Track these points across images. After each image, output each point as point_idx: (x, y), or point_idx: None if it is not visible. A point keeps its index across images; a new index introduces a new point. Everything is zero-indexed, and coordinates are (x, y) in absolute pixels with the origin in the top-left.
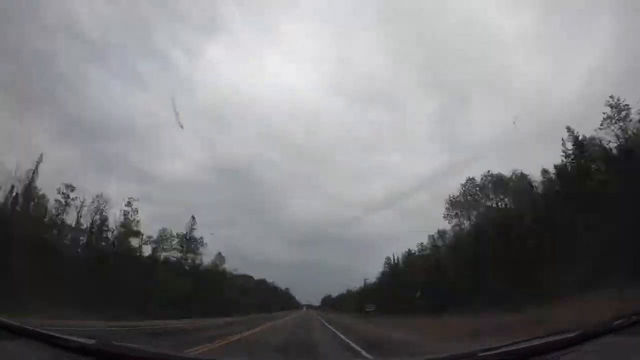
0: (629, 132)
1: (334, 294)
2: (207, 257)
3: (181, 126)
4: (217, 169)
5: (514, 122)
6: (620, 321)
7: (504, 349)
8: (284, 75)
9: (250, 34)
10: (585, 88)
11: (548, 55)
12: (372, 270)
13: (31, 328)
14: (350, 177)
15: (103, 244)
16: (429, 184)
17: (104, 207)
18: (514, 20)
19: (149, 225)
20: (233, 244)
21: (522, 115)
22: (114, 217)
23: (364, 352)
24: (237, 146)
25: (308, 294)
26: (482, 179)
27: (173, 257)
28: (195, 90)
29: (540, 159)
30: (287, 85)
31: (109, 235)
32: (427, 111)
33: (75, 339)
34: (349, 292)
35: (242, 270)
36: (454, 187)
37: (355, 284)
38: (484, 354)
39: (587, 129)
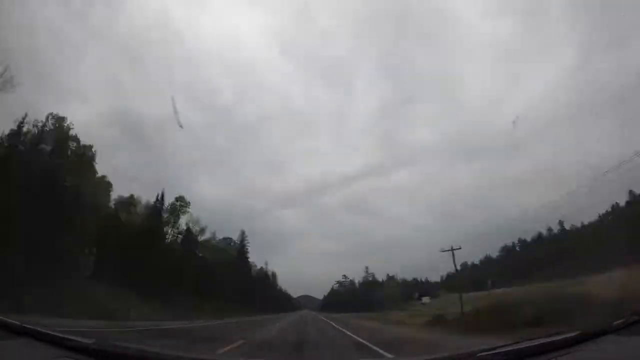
0: None
1: None
2: None
3: (181, 126)
4: (121, 125)
5: (513, 122)
6: (620, 321)
7: (504, 349)
8: (228, 15)
9: None
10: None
11: (501, 70)
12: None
13: (32, 327)
14: (271, 161)
15: None
16: (350, 184)
17: None
18: (479, 28)
19: None
20: None
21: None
22: None
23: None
24: (153, 97)
25: None
26: None
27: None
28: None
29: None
30: (230, 29)
31: None
32: (372, 101)
33: (75, 338)
34: None
35: None
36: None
37: None
38: (484, 353)
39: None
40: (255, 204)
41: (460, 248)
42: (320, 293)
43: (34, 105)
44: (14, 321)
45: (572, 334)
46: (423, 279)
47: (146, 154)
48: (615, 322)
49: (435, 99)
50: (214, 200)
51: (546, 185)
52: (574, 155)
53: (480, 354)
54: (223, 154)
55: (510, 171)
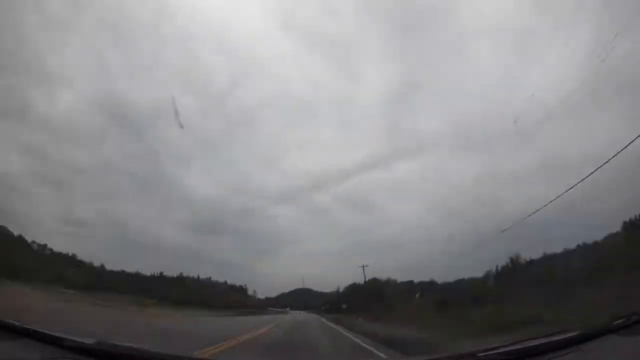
0: None
1: None
2: None
3: (181, 126)
4: (109, 111)
5: (515, 122)
6: (620, 321)
7: (504, 349)
8: None
9: None
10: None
11: (516, 55)
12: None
13: (32, 328)
14: (266, 152)
15: None
16: (350, 177)
17: None
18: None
19: None
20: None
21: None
22: None
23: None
24: (142, 80)
25: None
26: None
27: None
28: None
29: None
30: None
31: None
32: (380, 85)
33: (75, 338)
34: None
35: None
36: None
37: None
38: (484, 354)
39: None
40: (248, 200)
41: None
42: (327, 287)
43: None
44: (13, 321)
45: (572, 334)
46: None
47: (137, 144)
48: (615, 322)
49: (443, 85)
50: (205, 195)
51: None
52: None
53: (480, 354)
54: (217, 144)
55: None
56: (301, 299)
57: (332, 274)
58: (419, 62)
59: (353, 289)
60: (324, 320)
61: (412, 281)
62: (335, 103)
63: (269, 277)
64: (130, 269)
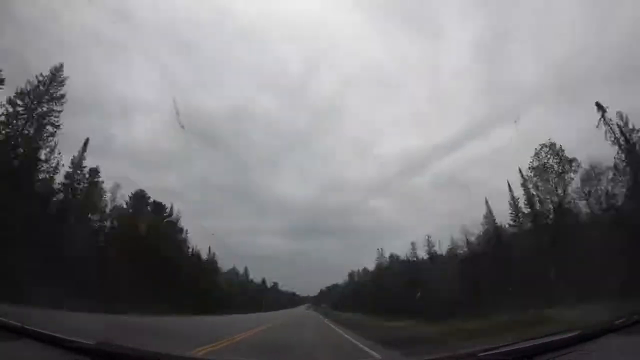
0: None
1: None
2: None
3: (182, 126)
4: (189, 129)
5: (515, 121)
6: (621, 321)
7: (504, 349)
8: None
9: None
10: None
11: None
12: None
13: (32, 328)
14: (355, 140)
15: None
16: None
17: None
18: None
19: None
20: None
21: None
22: None
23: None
24: (215, 88)
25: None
26: None
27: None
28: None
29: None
30: None
31: None
32: (464, 42)
33: (75, 339)
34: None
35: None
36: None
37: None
38: (484, 354)
39: None
40: (342, 197)
41: None
42: None
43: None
44: (14, 322)
45: (573, 334)
46: None
47: (221, 155)
48: (616, 322)
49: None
50: (300, 200)
51: None
52: None
53: (481, 354)
54: (302, 140)
55: None
56: None
57: None
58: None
59: None
60: None
61: None
62: (420, 70)
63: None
64: None
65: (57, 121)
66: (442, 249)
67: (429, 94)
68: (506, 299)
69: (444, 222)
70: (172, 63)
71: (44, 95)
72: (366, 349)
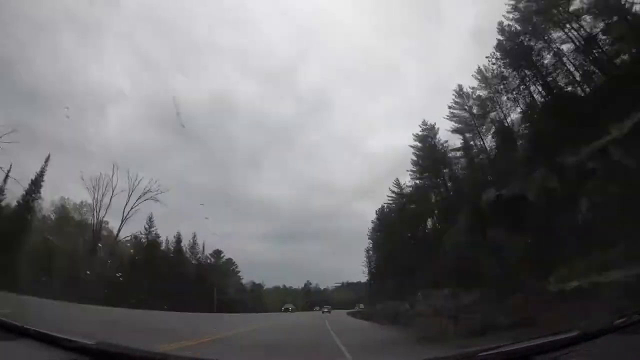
0: None
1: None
2: None
3: (183, 126)
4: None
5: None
6: (621, 321)
7: (504, 349)
8: None
9: None
10: None
11: None
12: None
13: (32, 328)
14: (349, 136)
15: None
16: None
17: None
18: None
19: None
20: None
21: None
22: None
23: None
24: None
25: None
26: None
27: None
28: None
29: None
30: None
31: None
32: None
33: (75, 339)
34: None
35: None
36: None
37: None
38: (484, 353)
39: None
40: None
41: None
42: None
43: None
44: (14, 322)
45: (573, 334)
46: None
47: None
48: (616, 322)
49: None
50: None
51: None
52: None
53: (481, 354)
54: (290, 133)
55: None
56: None
57: None
58: None
59: None
60: None
61: None
62: (420, 56)
63: None
64: None
65: None
66: None
67: (427, 84)
68: None
69: None
70: (147, 44)
71: None
72: None
